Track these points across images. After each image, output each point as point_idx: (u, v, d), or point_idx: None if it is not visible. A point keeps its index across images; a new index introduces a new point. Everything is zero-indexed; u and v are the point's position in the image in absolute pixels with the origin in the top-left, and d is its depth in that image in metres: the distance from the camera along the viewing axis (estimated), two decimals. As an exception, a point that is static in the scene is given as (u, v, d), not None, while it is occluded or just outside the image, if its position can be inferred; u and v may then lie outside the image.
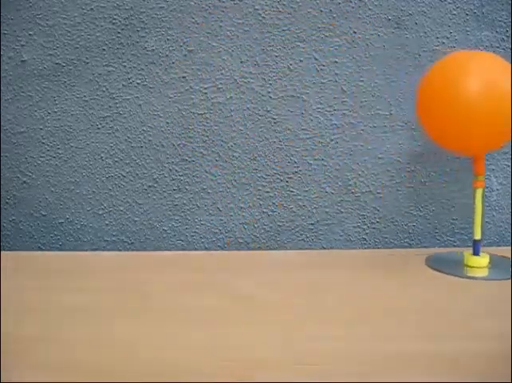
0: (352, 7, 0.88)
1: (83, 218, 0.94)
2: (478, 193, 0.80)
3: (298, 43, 0.89)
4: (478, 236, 0.81)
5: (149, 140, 0.92)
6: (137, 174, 0.93)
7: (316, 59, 0.90)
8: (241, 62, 0.90)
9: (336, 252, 0.91)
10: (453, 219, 0.92)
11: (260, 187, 0.92)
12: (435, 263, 0.82)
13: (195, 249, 0.93)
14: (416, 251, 0.90)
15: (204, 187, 0.92)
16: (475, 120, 0.71)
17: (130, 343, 0.59)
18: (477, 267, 0.81)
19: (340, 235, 0.93)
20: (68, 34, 0.90)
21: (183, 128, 0.91)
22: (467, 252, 0.83)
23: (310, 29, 0.89)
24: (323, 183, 0.92)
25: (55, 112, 0.92)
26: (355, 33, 0.89)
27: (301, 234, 0.93)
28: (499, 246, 0.92)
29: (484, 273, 0.80)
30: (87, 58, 0.90)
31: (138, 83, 0.91)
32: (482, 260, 0.81)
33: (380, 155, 0.91)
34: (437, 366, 0.53)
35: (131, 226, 0.93)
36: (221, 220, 0.93)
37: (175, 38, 0.90)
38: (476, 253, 0.82)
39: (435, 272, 0.79)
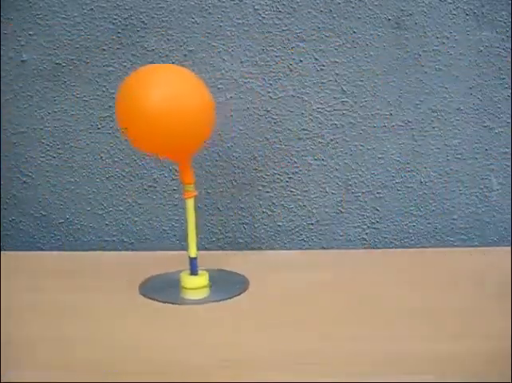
0: (352, 7, 0.88)
1: (83, 218, 0.94)
2: (189, 204, 0.73)
3: (298, 43, 0.89)
4: (193, 254, 0.73)
5: (149, 140, 0.92)
6: (137, 174, 0.93)
7: (316, 59, 0.90)
8: (241, 62, 0.90)
9: (336, 252, 0.91)
10: (453, 219, 0.92)
11: (260, 187, 0.92)
12: (149, 290, 0.73)
13: (195, 249, 0.93)
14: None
15: (204, 187, 0.92)
16: (160, 128, 0.68)
17: (130, 343, 0.59)
18: (194, 289, 0.73)
19: (341, 235, 0.93)
20: (68, 34, 0.90)
21: (183, 128, 0.91)
22: (185, 272, 0.75)
23: (310, 29, 0.89)
24: (323, 183, 0.92)
25: (55, 112, 0.92)
26: (355, 33, 0.89)
27: (301, 234, 0.93)
28: (499, 246, 0.92)
29: (203, 294, 0.73)
30: (87, 58, 0.90)
31: (138, 83, 0.90)
32: (200, 280, 0.74)
33: (379, 156, 0.91)
34: (437, 366, 0.53)
35: (131, 226, 0.93)
36: (221, 220, 0.93)
37: (175, 38, 0.90)
38: (193, 272, 0.74)
39: (148, 300, 0.70)
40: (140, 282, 0.76)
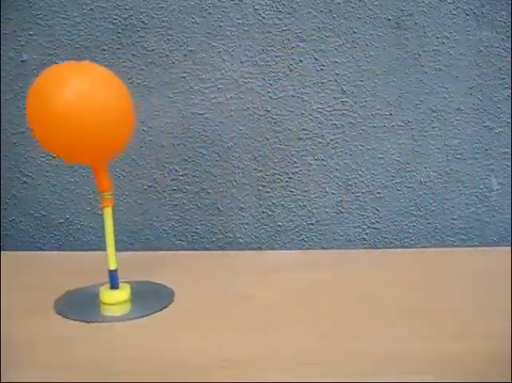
0: (352, 7, 0.88)
1: (83, 218, 0.94)
2: (107, 213, 0.67)
3: (298, 43, 0.89)
4: (113, 266, 0.68)
5: (149, 140, 0.92)
6: (137, 174, 0.93)
7: (316, 59, 0.90)
8: (241, 62, 0.90)
9: (336, 252, 0.91)
10: (453, 219, 0.92)
11: (260, 187, 0.92)
12: (64, 307, 0.67)
13: (195, 249, 0.93)
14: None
15: (204, 187, 0.92)
16: (74, 131, 0.62)
17: (130, 343, 0.59)
18: (115, 304, 0.68)
19: (341, 235, 0.93)
20: (68, 34, 0.90)
21: (182, 128, 0.91)
22: (105, 286, 0.69)
23: (310, 29, 0.89)
24: (323, 183, 0.92)
25: (55, 112, 0.92)
26: (355, 33, 0.89)
27: (301, 234, 0.93)
28: (499, 246, 0.92)
29: (124, 310, 0.67)
30: (87, 58, 0.90)
31: (138, 83, 0.91)
32: (120, 294, 0.68)
33: (379, 156, 0.91)
34: (437, 366, 0.53)
35: (131, 226, 0.93)
36: (221, 220, 0.93)
37: (175, 38, 0.90)
38: (114, 286, 0.68)
39: (62, 318, 0.64)
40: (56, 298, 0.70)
